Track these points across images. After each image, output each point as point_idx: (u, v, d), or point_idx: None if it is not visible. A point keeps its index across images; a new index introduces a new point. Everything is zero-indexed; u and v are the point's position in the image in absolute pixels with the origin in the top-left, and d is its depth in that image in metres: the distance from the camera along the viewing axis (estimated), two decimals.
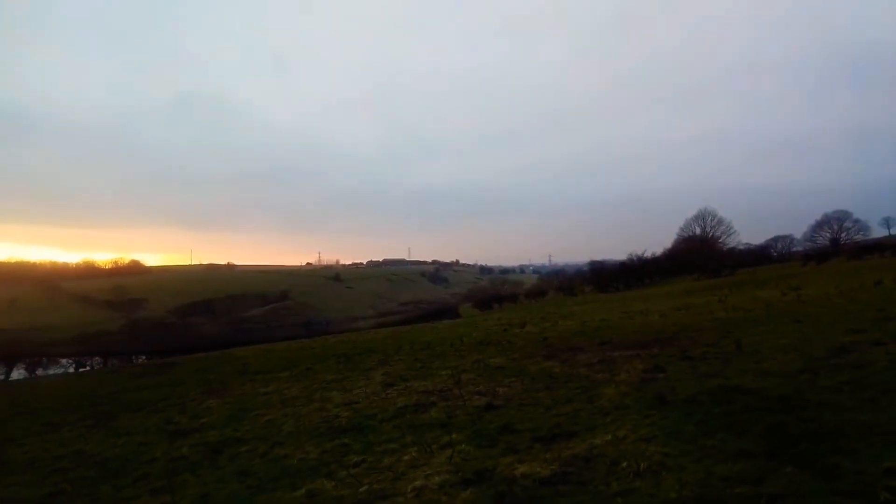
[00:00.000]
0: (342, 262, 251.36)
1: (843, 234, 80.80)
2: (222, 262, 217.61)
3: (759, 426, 6.19)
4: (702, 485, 4.84)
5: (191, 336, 70.08)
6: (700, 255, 76.09)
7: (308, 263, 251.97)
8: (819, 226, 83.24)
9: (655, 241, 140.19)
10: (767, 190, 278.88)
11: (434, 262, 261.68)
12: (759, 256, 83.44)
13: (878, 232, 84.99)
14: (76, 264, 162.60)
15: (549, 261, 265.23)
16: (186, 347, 43.11)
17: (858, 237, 79.38)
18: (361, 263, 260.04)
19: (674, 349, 12.28)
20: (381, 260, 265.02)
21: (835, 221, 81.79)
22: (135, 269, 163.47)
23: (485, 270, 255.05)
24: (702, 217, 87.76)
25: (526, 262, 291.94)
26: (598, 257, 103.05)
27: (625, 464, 5.58)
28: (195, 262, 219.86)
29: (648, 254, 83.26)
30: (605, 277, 74.82)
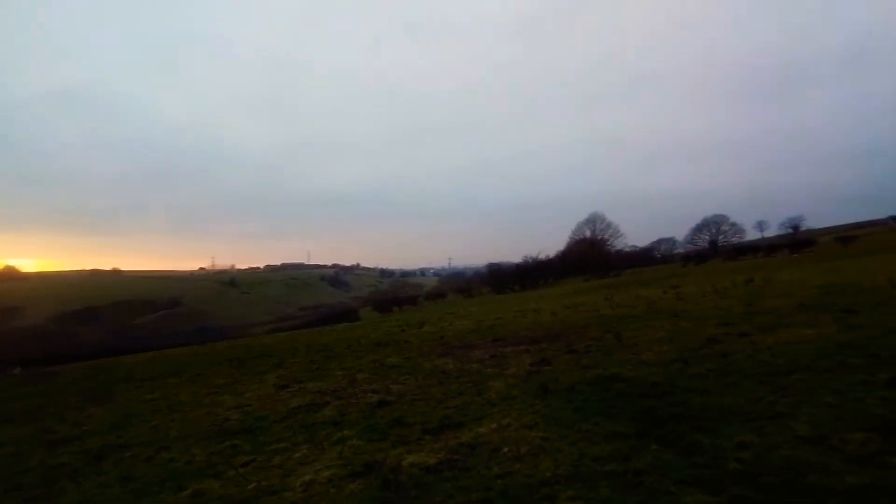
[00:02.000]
0: (238, 266, 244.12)
1: (720, 237, 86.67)
2: (107, 267, 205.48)
3: (632, 410, 6.58)
4: (575, 465, 5.11)
5: (73, 345, 65.56)
6: (590, 256, 79.33)
7: (201, 268, 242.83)
8: (699, 229, 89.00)
9: (551, 243, 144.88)
10: (653, 194, 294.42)
11: (334, 265, 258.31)
12: (645, 258, 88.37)
13: (752, 234, 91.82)
14: None
15: (449, 263, 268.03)
16: (68, 356, 40.20)
17: (734, 239, 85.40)
18: (258, 268, 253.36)
19: (561, 344, 12.75)
20: (279, 264, 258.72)
21: (713, 225, 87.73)
22: (9, 275, 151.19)
23: (385, 274, 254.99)
24: (592, 221, 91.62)
25: (426, 265, 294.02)
26: (497, 260, 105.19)
27: (506, 449, 5.80)
28: (77, 267, 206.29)
29: (543, 256, 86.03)
30: (502, 279, 76.59)
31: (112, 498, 6.40)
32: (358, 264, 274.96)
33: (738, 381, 7.33)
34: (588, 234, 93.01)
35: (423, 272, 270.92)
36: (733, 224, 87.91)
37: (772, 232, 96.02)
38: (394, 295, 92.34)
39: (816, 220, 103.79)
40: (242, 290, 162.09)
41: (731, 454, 4.84)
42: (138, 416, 11.11)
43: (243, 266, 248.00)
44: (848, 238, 57.07)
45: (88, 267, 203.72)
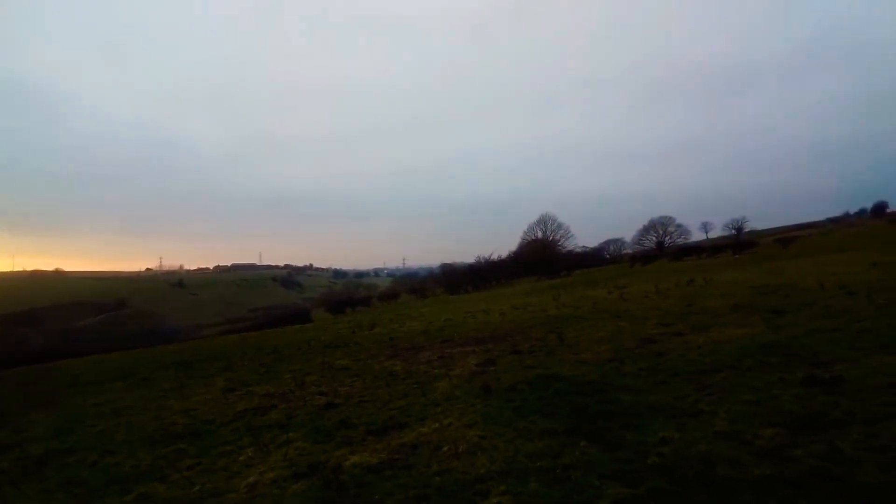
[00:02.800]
0: (187, 267, 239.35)
1: (666, 238, 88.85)
2: (49, 268, 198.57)
3: (567, 408, 6.88)
4: (509, 461, 5.36)
5: (14, 348, 63.04)
6: (541, 257, 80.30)
7: (149, 269, 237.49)
8: (646, 230, 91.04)
9: (505, 243, 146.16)
10: (604, 196, 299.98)
11: (287, 266, 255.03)
12: (594, 258, 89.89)
13: (698, 235, 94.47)
14: None
15: (404, 264, 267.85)
16: (6, 361, 38.66)
17: (680, 240, 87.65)
18: (208, 269, 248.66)
19: (506, 344, 13.05)
20: (229, 265, 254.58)
21: (659, 226, 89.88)
22: None
23: (339, 274, 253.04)
24: (543, 222, 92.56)
25: (381, 266, 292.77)
26: (452, 260, 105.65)
27: (446, 448, 6.02)
28: (17, 268, 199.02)
29: (495, 256, 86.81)
30: (455, 279, 77.02)
31: (55, 503, 6.38)
32: (311, 265, 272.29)
33: (667, 379, 7.71)
34: (539, 234, 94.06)
35: (377, 273, 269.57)
36: (679, 225, 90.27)
37: (717, 233, 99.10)
38: (347, 296, 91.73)
39: (761, 221, 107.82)
40: (191, 291, 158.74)
41: (653, 449, 5.15)
42: (83, 421, 10.94)
43: (192, 267, 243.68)
44: (788, 240, 59.46)
45: (29, 268, 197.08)
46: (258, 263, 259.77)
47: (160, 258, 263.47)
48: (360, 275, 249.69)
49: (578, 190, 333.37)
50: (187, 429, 9.12)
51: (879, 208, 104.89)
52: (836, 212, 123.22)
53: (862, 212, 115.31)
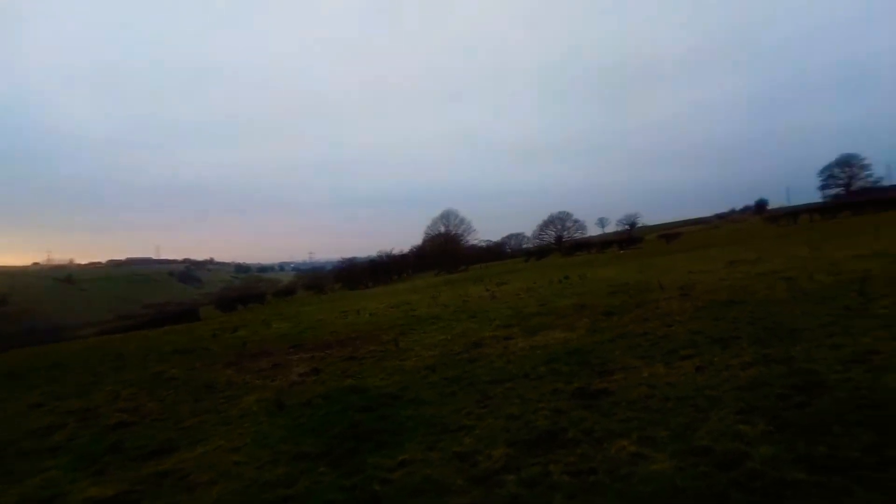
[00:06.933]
0: (78, 261, 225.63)
1: (564, 233, 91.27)
2: None
3: (343, 426, 6.61)
4: (242, 492, 5.05)
5: None
6: (443, 252, 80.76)
7: (35, 263, 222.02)
8: (546, 225, 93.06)
9: (412, 238, 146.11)
10: (510, 190, 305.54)
11: (186, 260, 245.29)
12: (495, 253, 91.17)
13: (595, 231, 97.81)
14: None
15: (311, 258, 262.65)
16: None
17: (577, 235, 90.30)
18: (100, 263, 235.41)
19: (347, 350, 12.71)
20: (123, 259, 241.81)
21: (558, 221, 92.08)
22: None
23: (242, 269, 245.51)
24: (446, 216, 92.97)
25: (287, 260, 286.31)
26: (360, 254, 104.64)
27: (192, 476, 5.63)
28: None
29: (398, 251, 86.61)
30: (355, 275, 76.21)
31: None
32: (211, 259, 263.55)
33: (458, 390, 7.58)
34: (443, 229, 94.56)
35: (282, 267, 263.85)
36: (577, 221, 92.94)
37: (612, 228, 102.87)
38: (240, 293, 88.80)
39: (655, 216, 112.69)
40: (80, 286, 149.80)
41: (386, 474, 4.95)
42: None
43: (84, 262, 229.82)
44: (672, 235, 62.17)
45: None
46: (155, 258, 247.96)
47: (48, 252, 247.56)
48: (264, 269, 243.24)
49: (484, 184, 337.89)
50: None
51: (761, 205, 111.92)
52: (723, 208, 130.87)
53: (746, 208, 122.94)
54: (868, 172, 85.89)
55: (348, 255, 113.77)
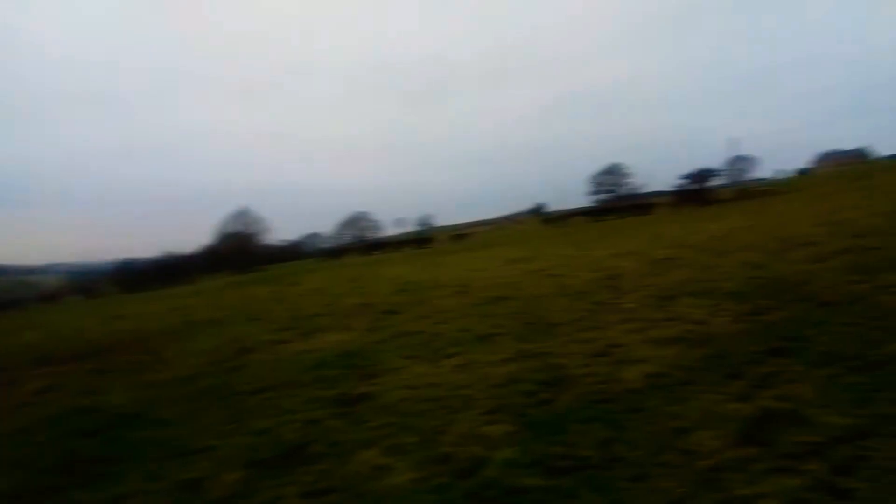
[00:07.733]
0: None
1: (363, 232, 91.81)
2: None
3: (57, 455, 5.61)
4: None
5: None
6: (237, 251, 77.22)
7: None
8: (344, 224, 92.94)
9: (204, 236, 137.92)
10: (311, 188, 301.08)
11: None
12: (294, 252, 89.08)
13: (393, 230, 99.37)
14: None
15: (86, 259, 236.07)
16: None
17: (375, 235, 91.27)
18: None
19: (97, 362, 11.25)
20: None
21: (357, 221, 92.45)
22: None
23: None
24: (241, 215, 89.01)
25: (58, 260, 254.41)
26: (143, 254, 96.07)
27: None
28: None
29: (188, 250, 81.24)
30: (135, 276, 69.97)
31: None
32: None
33: (210, 403, 6.81)
34: (237, 228, 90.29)
35: (50, 268, 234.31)
36: (374, 220, 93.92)
37: (410, 228, 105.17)
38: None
39: (451, 217, 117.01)
40: None
41: None
42: None
43: None
44: (462, 236, 65.09)
45: None
46: None
47: None
48: (28, 271, 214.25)
49: (282, 183, 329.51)
50: None
51: (538, 209, 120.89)
52: (511, 210, 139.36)
53: (532, 210, 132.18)
54: (630, 180, 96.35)
55: (130, 254, 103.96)
